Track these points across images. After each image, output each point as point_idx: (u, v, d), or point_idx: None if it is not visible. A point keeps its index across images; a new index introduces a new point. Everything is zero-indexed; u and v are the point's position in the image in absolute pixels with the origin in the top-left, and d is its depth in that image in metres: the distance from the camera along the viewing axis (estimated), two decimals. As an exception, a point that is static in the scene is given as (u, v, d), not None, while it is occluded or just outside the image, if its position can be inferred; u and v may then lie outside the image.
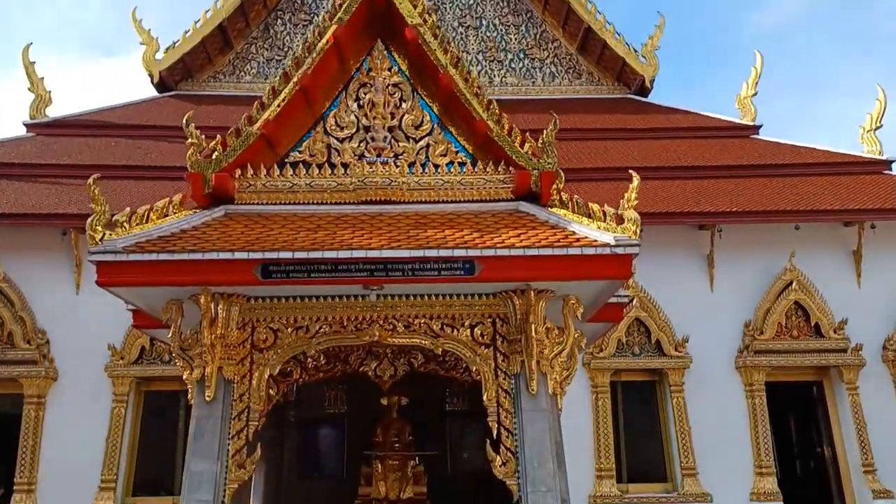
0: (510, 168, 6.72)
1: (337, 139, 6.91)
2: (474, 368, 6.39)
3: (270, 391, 7.80)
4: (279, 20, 18.61)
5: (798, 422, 15.43)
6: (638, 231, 5.71)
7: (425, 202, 6.66)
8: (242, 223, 6.29)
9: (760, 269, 14.46)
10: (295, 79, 6.62)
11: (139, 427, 14.28)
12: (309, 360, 7.98)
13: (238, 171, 6.64)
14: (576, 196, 6.28)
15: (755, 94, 18.41)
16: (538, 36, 19.29)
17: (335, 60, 6.93)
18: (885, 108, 16.45)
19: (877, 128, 16.58)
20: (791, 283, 14.27)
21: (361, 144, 6.86)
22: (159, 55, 17.80)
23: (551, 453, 6.12)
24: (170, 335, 6.08)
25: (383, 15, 7.11)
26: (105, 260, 5.59)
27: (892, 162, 16.15)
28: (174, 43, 17.67)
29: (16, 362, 13.92)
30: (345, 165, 6.76)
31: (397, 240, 5.88)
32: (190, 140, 6.47)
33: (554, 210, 6.45)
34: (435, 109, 7.02)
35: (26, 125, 17.43)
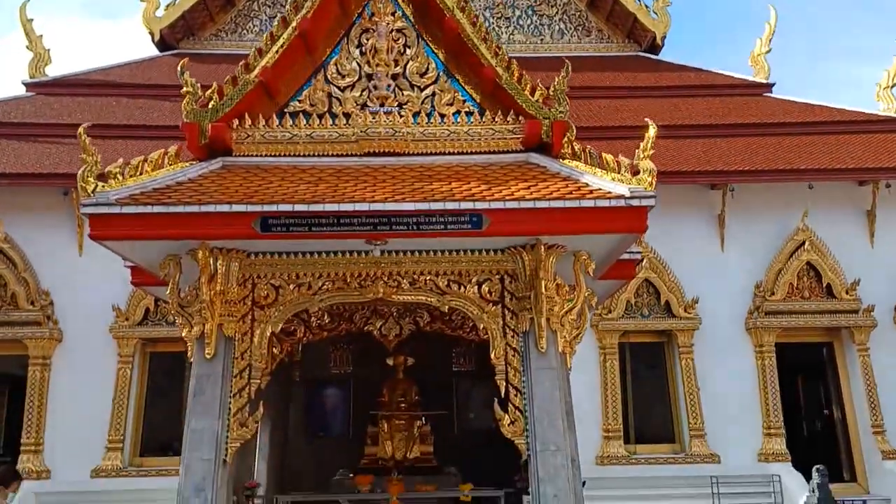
0: (520, 118, 6.44)
1: (338, 88, 6.62)
2: (482, 326, 6.21)
3: (274, 350, 7.69)
4: (282, -25, 18.11)
5: (807, 383, 15.33)
6: (654, 182, 5.47)
7: (431, 153, 6.41)
8: (241, 175, 6.07)
9: (772, 230, 14.23)
10: (294, 23, 6.31)
11: (145, 388, 14.27)
12: (313, 318, 7.85)
13: (236, 122, 6.38)
14: (588, 147, 6.02)
15: (769, 51, 17.92)
16: (547, -10, 18.79)
17: (336, 4, 6.61)
18: (903, 65, 15.99)
19: (893, 85, 16.14)
20: (803, 243, 14.04)
21: (364, 93, 6.58)
22: (160, 12, 17.39)
23: (561, 412, 5.97)
24: (168, 291, 5.90)
25: (386, -43, 6.76)
26: (98, 212, 5.38)
27: (909, 119, 15.75)
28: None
29: (20, 323, 13.87)
30: (346, 115, 6.49)
31: (401, 192, 5.65)
32: (185, 89, 6.20)
33: (566, 162, 6.19)
34: (441, 56, 6.71)
35: (25, 84, 17.15)
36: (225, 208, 5.40)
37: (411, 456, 8.70)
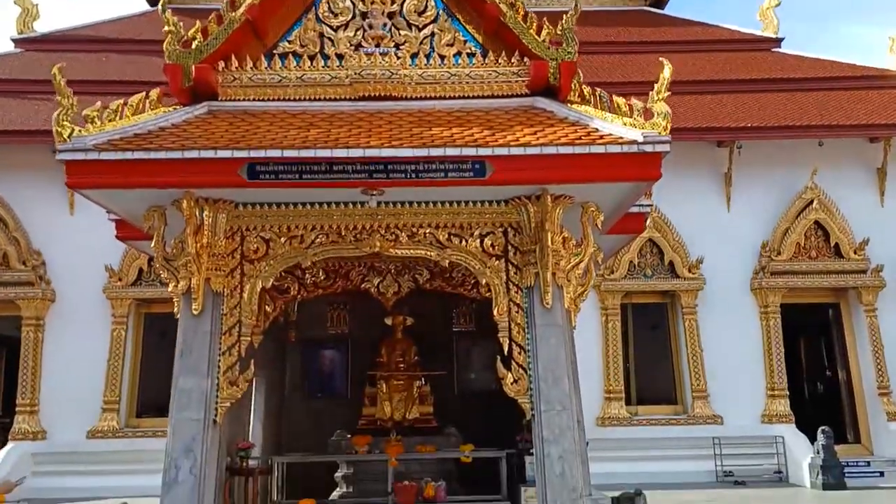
0: (525, 59, 6.03)
1: (331, 27, 6.20)
2: (484, 282, 5.91)
3: (267, 308, 7.41)
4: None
5: (812, 344, 15.18)
6: (668, 126, 5.11)
7: (430, 98, 6.02)
8: (227, 120, 5.69)
9: (780, 188, 13.95)
10: (282, -42, 5.88)
11: (141, 349, 14.13)
12: (307, 275, 7.56)
13: (222, 64, 5.97)
14: (599, 90, 5.64)
15: (778, 5, 17.40)
16: (551, -59, 18.16)
17: (327, -63, 6.16)
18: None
19: (908, 39, 15.71)
20: (812, 201, 13.76)
21: (358, 33, 6.15)
22: (151, -35, 16.79)
23: (567, 371, 5.71)
24: (153, 244, 5.58)
25: None
26: (74, 159, 5.03)
27: (923, 75, 15.33)
28: (165, -51, 16.64)
29: (12, 283, 13.66)
30: (340, 57, 6.08)
31: (399, 138, 5.29)
32: (166, 28, 5.79)
33: (574, 106, 5.81)
34: (440, -8, 6.27)
35: (14, 40, 16.72)
36: (210, 154, 5.05)
37: (410, 417, 8.51)
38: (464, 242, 5.85)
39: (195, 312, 5.49)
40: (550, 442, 5.49)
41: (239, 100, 5.99)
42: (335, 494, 8.19)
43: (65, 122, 5.10)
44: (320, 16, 6.20)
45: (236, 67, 5.99)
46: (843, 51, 38.43)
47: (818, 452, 11.43)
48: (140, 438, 12.80)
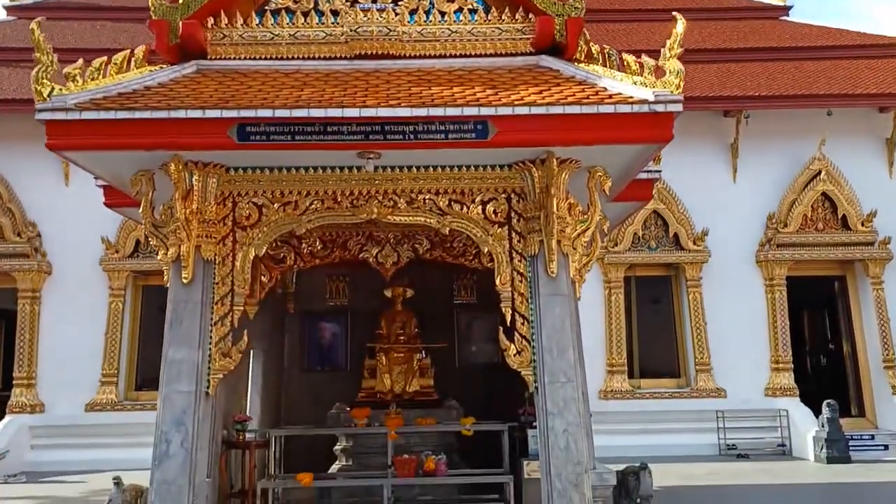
0: (529, 15, 5.74)
1: (326, -18, 5.91)
2: (486, 250, 5.68)
3: (262, 278, 7.20)
4: None
5: (818, 317, 15.01)
6: (681, 84, 4.84)
7: (430, 56, 5.74)
8: (216, 80, 5.42)
9: (787, 159, 13.69)
10: None
11: (139, 321, 14.00)
12: (303, 244, 7.34)
13: (211, 20, 5.68)
14: (607, 47, 5.36)
15: (786, -29, 17.00)
16: None
17: None
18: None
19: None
20: (819, 172, 13.51)
21: (354, -12, 5.86)
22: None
23: (571, 342, 5.51)
24: (140, 210, 5.35)
25: None
26: (54, 118, 4.77)
27: (935, 42, 14.99)
28: None
29: (7, 255, 13.50)
30: (334, 13, 5.78)
31: (396, 98, 5.03)
32: (152, -18, 5.50)
33: (581, 65, 5.53)
34: (440, -55, 5.97)
35: (6, 8, 16.43)
36: (197, 114, 4.79)
37: (410, 389, 8.34)
38: (465, 209, 5.62)
39: (185, 281, 5.28)
40: (554, 415, 5.31)
41: (229, 58, 5.71)
42: (334, 468, 8.06)
43: (44, 80, 4.84)
44: (314, -31, 5.91)
45: (226, 24, 5.71)
46: (851, 22, 37.75)
47: (823, 425, 11.31)
48: (139, 411, 12.70)
